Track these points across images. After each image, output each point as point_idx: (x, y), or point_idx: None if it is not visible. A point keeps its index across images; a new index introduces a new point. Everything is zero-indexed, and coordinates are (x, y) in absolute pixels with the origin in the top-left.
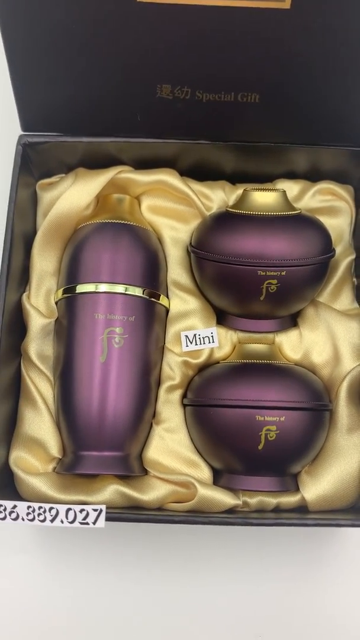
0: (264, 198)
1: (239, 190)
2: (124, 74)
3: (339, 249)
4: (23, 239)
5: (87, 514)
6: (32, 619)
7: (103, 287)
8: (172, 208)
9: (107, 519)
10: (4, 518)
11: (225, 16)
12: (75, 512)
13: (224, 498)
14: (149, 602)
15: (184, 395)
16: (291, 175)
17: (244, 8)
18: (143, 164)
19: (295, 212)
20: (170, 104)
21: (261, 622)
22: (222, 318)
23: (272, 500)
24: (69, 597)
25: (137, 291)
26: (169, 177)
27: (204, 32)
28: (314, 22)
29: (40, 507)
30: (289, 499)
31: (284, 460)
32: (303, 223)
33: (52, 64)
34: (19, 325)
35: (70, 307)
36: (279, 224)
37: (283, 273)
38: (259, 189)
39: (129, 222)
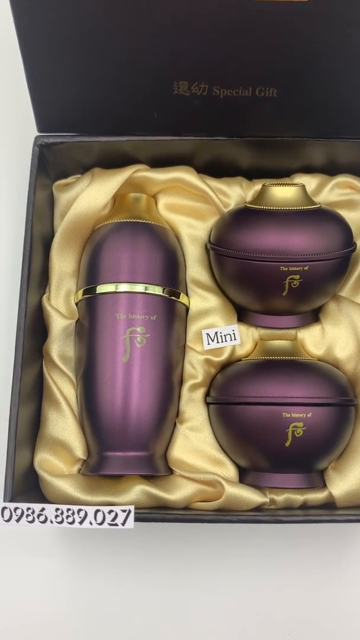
0: (283, 193)
1: (256, 186)
2: (141, 72)
3: (359, 242)
4: (42, 241)
5: (116, 515)
6: (59, 621)
7: (123, 287)
8: (190, 206)
9: (136, 519)
10: (33, 521)
11: (243, 10)
12: (103, 513)
13: (251, 496)
14: (176, 602)
15: (207, 394)
16: (308, 170)
17: (262, 2)
18: (159, 162)
19: (315, 206)
20: (188, 101)
21: (291, 619)
22: (243, 315)
23: (299, 497)
24: (94, 599)
25: (157, 290)
26: (185, 175)
27: (221, 27)
28: (331, 15)
29: (68, 509)
30: (316, 496)
31: (311, 457)
32: (324, 217)
33: (67, 64)
34: (40, 327)
35: (90, 307)
36: (299, 219)
37: (306, 268)
38: (278, 184)
39: (146, 221)
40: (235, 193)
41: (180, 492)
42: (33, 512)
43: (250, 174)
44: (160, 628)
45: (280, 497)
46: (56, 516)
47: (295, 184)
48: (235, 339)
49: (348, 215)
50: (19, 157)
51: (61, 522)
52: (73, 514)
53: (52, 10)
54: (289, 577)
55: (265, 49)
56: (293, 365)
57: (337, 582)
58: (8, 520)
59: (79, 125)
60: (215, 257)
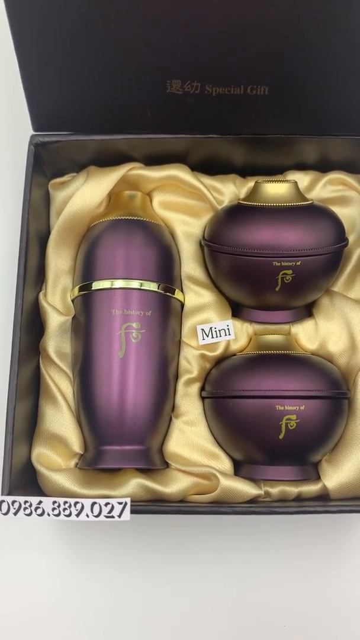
0: (275, 189)
1: (249, 183)
2: (134, 71)
3: (351, 238)
4: (38, 239)
5: (112, 508)
6: (56, 614)
7: (119, 283)
8: (184, 203)
9: (132, 512)
10: (30, 514)
11: (233, 9)
12: (100, 505)
13: (246, 488)
14: (173, 594)
15: (202, 388)
16: (301, 167)
17: (252, 0)
18: (154, 160)
19: (307, 202)
20: (181, 99)
21: (286, 610)
22: (237, 310)
23: (293, 490)
24: (91, 592)
25: (152, 286)
26: (180, 172)
27: (213, 26)
28: (322, 14)
29: (65, 502)
30: (310, 488)
31: (305, 449)
32: (316, 213)
33: (62, 63)
34: (36, 324)
35: (86, 304)
36: (292, 215)
37: (298, 263)
38: (270, 181)
39: (141, 218)
40: (228, 190)
41: (176, 485)
42: (30, 505)
43: (244, 171)
44: (157, 620)
45: (275, 490)
46: (53, 509)
47: (287, 181)
48: (229, 334)
49: (340, 211)
50: (14, 156)
51: (58, 514)
52: (70, 506)
53: (46, 9)
54: (284, 568)
55: (257, 48)
56: (287, 359)
57: (331, 572)
58: (6, 513)
59: (74, 123)
60: (210, 254)
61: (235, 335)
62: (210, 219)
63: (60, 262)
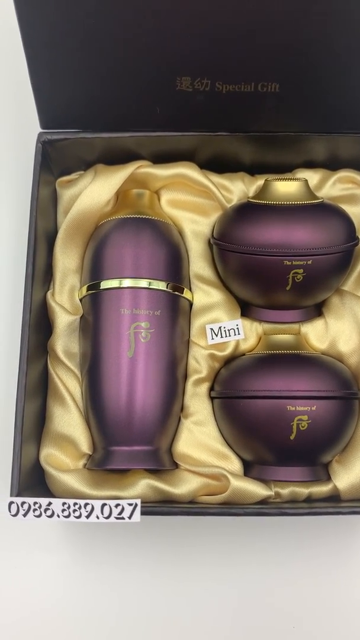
0: (285, 187)
1: (258, 181)
2: (144, 68)
3: None
4: (45, 238)
5: (123, 509)
6: (65, 616)
7: (127, 282)
8: (192, 201)
9: (142, 513)
10: (39, 515)
11: (244, 5)
12: (110, 507)
13: (256, 489)
14: (182, 595)
15: (211, 388)
16: (310, 165)
17: None
18: (162, 158)
19: (317, 200)
20: (190, 96)
21: (296, 612)
22: (246, 310)
23: (304, 491)
24: (101, 593)
25: (161, 285)
26: (188, 170)
27: (223, 23)
28: (332, 10)
29: (75, 504)
30: (321, 489)
31: (316, 450)
32: (326, 211)
33: (70, 61)
34: (44, 323)
35: (95, 303)
36: (302, 213)
37: (309, 262)
38: (280, 179)
39: (149, 217)
40: (237, 188)
41: (185, 486)
42: (40, 507)
43: (253, 169)
44: (166, 622)
45: (285, 490)
46: (63, 510)
47: (297, 179)
48: (239, 334)
49: (350, 209)
50: (22, 154)
51: (68, 516)
52: (80, 508)
53: (55, 6)
54: (295, 569)
55: (268, 44)
56: (297, 359)
57: (342, 574)
58: (15, 515)
59: (82, 121)
60: (219, 252)
61: (245, 334)
62: (219, 218)
63: (68, 261)
